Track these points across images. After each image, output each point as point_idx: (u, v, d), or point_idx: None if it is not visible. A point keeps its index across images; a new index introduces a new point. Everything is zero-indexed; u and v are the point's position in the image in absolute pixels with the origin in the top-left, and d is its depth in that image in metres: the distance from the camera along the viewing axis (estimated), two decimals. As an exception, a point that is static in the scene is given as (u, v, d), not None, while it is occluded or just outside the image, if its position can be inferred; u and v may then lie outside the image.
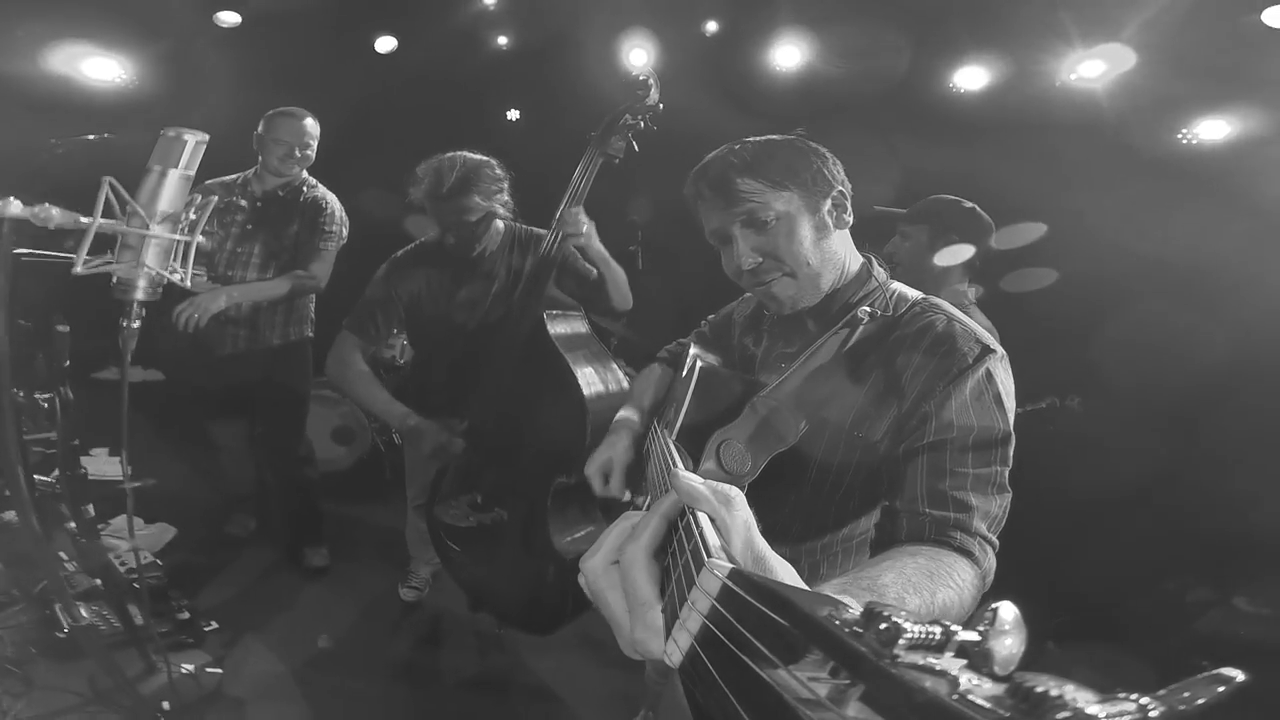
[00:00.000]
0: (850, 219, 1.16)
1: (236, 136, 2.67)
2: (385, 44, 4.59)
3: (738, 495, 0.60)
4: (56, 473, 1.61)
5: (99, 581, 1.59)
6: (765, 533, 0.64)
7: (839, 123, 3.47)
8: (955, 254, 2.14)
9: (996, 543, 0.97)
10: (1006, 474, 1.01)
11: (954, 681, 0.31)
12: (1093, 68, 3.08)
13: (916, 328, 1.07)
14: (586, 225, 2.04)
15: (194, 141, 1.15)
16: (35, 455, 1.64)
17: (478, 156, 2.12)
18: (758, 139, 1.13)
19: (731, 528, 0.58)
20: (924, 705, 0.29)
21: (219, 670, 2.10)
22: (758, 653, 0.39)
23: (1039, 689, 0.27)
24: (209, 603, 2.57)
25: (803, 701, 0.34)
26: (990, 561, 0.95)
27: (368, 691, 2.38)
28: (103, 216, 1.09)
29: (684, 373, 1.24)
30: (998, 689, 0.29)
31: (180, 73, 3.79)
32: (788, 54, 3.66)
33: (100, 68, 3.50)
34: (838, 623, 0.36)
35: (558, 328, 1.88)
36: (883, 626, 0.33)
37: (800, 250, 1.10)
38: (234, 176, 2.71)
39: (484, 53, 4.76)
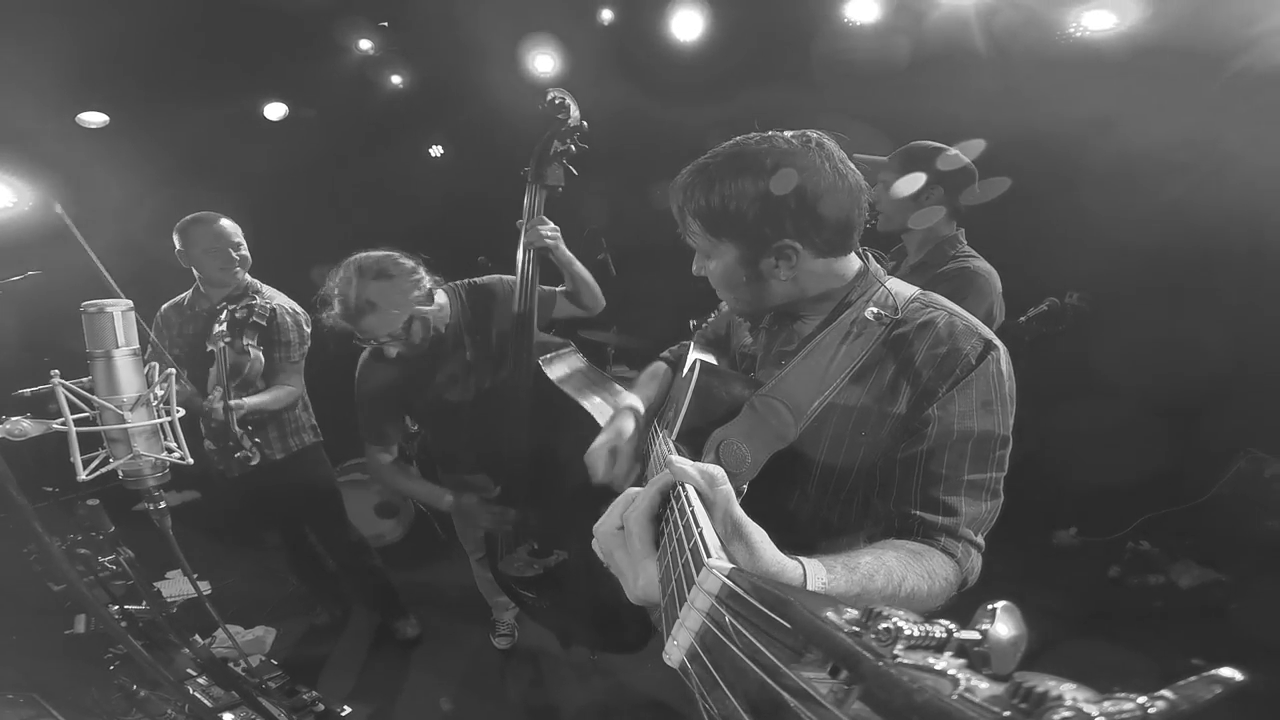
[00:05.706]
0: (796, 272, 1.06)
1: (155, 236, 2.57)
2: (275, 111, 4.41)
3: (719, 472, 0.69)
4: (144, 604, 1.62)
5: (234, 693, 1.59)
6: (770, 533, 0.71)
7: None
8: (932, 214, 2.11)
9: (981, 544, 1.01)
10: (1001, 480, 1.02)
11: (954, 681, 0.30)
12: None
13: (916, 325, 1.04)
14: (551, 231, 2.01)
15: (119, 312, 1.09)
16: (118, 589, 1.65)
17: (375, 257, 1.93)
18: (722, 158, 1.04)
19: (714, 501, 0.67)
20: (924, 705, 0.28)
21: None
22: (758, 652, 0.39)
23: (1039, 689, 0.26)
24: (328, 690, 2.63)
25: (803, 701, 0.34)
26: (972, 562, 0.98)
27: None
28: (73, 414, 1.04)
29: (684, 373, 1.22)
30: (998, 689, 0.28)
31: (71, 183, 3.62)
32: (685, 24, 3.63)
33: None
34: (838, 623, 0.36)
35: (556, 371, 1.90)
36: (883, 626, 0.34)
37: (731, 294, 1.13)
38: (181, 297, 2.64)
39: (382, 95, 4.64)
